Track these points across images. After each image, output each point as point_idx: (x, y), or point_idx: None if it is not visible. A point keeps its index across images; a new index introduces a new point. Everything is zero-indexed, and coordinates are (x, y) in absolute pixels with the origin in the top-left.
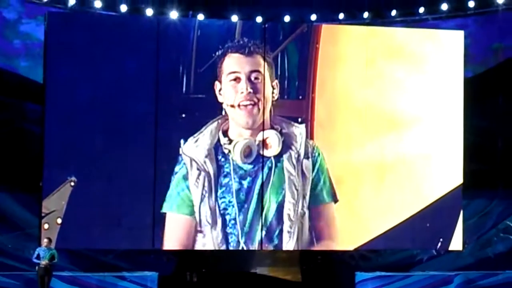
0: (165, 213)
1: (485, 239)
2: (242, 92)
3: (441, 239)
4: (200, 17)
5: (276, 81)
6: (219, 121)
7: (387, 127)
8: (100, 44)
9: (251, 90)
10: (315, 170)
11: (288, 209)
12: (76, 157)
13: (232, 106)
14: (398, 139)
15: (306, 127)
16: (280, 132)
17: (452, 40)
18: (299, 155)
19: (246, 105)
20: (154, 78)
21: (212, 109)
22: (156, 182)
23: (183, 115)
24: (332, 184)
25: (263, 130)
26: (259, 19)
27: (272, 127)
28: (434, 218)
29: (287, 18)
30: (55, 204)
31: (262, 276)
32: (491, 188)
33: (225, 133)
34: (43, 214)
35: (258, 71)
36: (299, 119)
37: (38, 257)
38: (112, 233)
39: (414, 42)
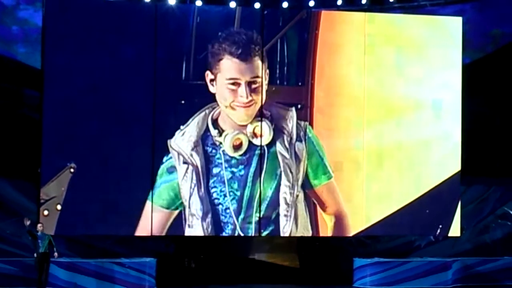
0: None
1: (482, 225)
2: (241, 96)
3: (440, 226)
4: (198, 3)
5: (267, 70)
6: (207, 111)
7: (385, 114)
8: (98, 30)
9: (251, 98)
10: (308, 151)
11: (284, 192)
12: (74, 144)
13: (230, 107)
14: (396, 126)
15: (305, 113)
16: (271, 118)
17: (450, 26)
18: (291, 138)
19: (243, 106)
20: (152, 64)
21: (212, 96)
22: (153, 169)
23: (182, 102)
24: (326, 161)
25: (261, 120)
26: (257, 5)
27: (263, 115)
28: (433, 204)
29: (285, 4)
30: (55, 190)
31: (260, 262)
32: (489, 174)
33: (215, 123)
34: (42, 201)
35: (257, 76)
36: (299, 106)
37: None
38: (111, 219)
39: (413, 28)
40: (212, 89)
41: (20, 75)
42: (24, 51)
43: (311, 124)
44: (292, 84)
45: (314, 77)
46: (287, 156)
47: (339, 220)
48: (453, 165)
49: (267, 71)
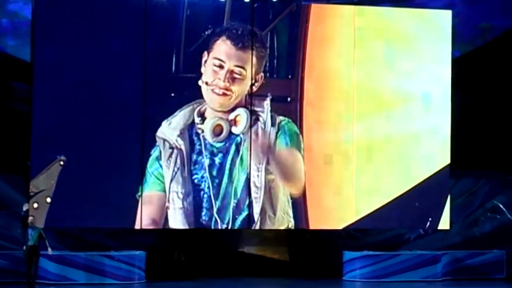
0: (139, 198)
1: (472, 219)
2: (219, 79)
3: (429, 219)
4: None
5: (261, 74)
6: (194, 105)
7: (375, 107)
8: (88, 23)
9: (228, 84)
10: (279, 134)
11: (253, 176)
12: (64, 136)
13: (207, 83)
14: (386, 119)
15: (295, 106)
16: (251, 109)
17: (440, 20)
18: (265, 125)
19: (217, 93)
20: (142, 58)
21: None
22: (143, 162)
23: (172, 94)
24: (299, 137)
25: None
26: None
27: (244, 106)
28: (422, 197)
29: None
30: (44, 183)
31: (250, 255)
32: (478, 168)
33: (201, 114)
34: (32, 193)
35: (242, 67)
36: (288, 98)
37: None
38: (100, 212)
39: (402, 22)
40: (202, 69)
41: (9, 68)
42: (14, 44)
43: (301, 117)
44: (282, 77)
45: (304, 70)
46: (259, 141)
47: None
48: (443, 158)
49: (262, 75)
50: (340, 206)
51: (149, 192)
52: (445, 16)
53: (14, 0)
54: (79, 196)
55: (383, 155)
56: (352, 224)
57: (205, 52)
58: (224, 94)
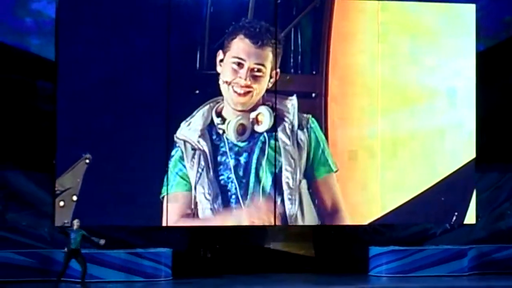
0: (163, 197)
1: (498, 213)
2: (240, 77)
3: (455, 213)
4: None
5: (277, 70)
6: (211, 104)
7: (399, 102)
8: (112, 21)
9: (249, 82)
10: (311, 143)
11: (286, 177)
12: (88, 135)
13: (227, 83)
14: (410, 114)
15: (320, 102)
16: (272, 108)
17: (464, 14)
18: (293, 126)
19: (239, 92)
20: (166, 55)
21: None
22: (167, 159)
23: (197, 91)
24: (328, 154)
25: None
26: None
27: (263, 104)
28: (448, 192)
29: None
30: (70, 181)
31: (276, 251)
32: (504, 161)
33: (219, 114)
34: (58, 192)
35: (262, 65)
36: (313, 94)
37: (69, 241)
38: (125, 210)
39: (426, 16)
40: (219, 69)
41: (33, 67)
42: (38, 43)
43: (325, 112)
44: (307, 72)
45: (328, 66)
46: (288, 142)
47: (334, 214)
48: (468, 152)
49: (278, 71)
50: (366, 202)
51: (176, 192)
52: (469, 10)
53: None
54: (104, 194)
55: (408, 151)
56: (378, 219)
57: (220, 51)
58: (246, 94)
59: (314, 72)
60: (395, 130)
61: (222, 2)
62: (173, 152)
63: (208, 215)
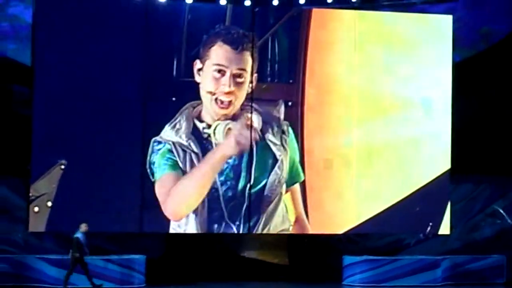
0: (154, 181)
1: (472, 224)
2: (224, 85)
3: (430, 224)
4: (189, 0)
5: (256, 75)
6: (190, 109)
7: (375, 112)
8: (89, 27)
9: (233, 89)
10: (291, 148)
11: (275, 175)
12: (65, 140)
13: (211, 93)
14: (386, 124)
15: (296, 110)
16: (260, 113)
17: (441, 24)
18: (278, 130)
19: (223, 102)
20: (143, 62)
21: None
22: (144, 165)
23: (173, 99)
24: (299, 163)
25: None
26: (247, 2)
27: (242, 110)
28: (423, 202)
29: (275, 2)
30: (45, 187)
31: (250, 260)
32: (479, 172)
33: (200, 119)
34: (33, 197)
35: (244, 69)
36: (289, 103)
37: (80, 246)
38: (101, 216)
39: (403, 27)
40: (198, 78)
41: (10, 72)
42: (14, 47)
43: (301, 121)
44: (283, 81)
45: (305, 75)
46: (278, 142)
47: (298, 223)
48: (443, 163)
49: (256, 75)
50: (341, 211)
51: (167, 173)
52: (446, 21)
53: (14, 4)
54: (80, 200)
55: (384, 160)
56: (353, 228)
57: (197, 61)
58: (229, 104)
59: (290, 81)
60: (371, 139)
61: (200, 9)
62: (159, 146)
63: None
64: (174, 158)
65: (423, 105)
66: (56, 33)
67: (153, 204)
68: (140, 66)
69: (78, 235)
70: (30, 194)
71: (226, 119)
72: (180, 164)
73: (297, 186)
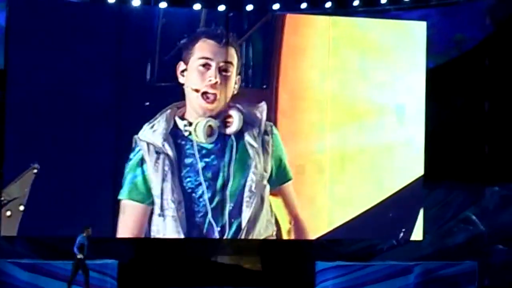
0: (119, 200)
1: (445, 230)
2: (210, 80)
3: (403, 229)
4: (163, 4)
5: (239, 76)
6: (172, 109)
7: (348, 117)
8: (62, 31)
9: (219, 81)
10: (275, 147)
11: (250, 179)
12: (38, 144)
13: (196, 90)
14: (359, 130)
15: (269, 115)
16: (241, 111)
17: (415, 31)
18: (259, 132)
19: (209, 96)
20: (116, 66)
21: (177, 97)
22: (117, 170)
23: (147, 103)
24: (286, 163)
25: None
26: (222, 7)
27: (229, 108)
28: (396, 208)
29: (249, 7)
30: (17, 191)
31: (222, 265)
32: (452, 179)
33: (182, 118)
34: (5, 202)
35: (230, 62)
36: None
37: (82, 247)
38: (73, 221)
39: (377, 33)
40: (181, 79)
41: None
42: None
43: (275, 127)
44: (257, 86)
45: (279, 80)
46: (255, 145)
47: (297, 224)
48: (416, 169)
49: (239, 77)
50: (313, 216)
51: (125, 200)
52: (419, 27)
53: None
54: (52, 205)
55: (357, 166)
56: (325, 234)
57: (180, 63)
58: (214, 97)
59: (264, 86)
60: (343, 145)
61: (174, 14)
62: (131, 155)
63: (169, 221)
64: (139, 178)
65: (396, 111)
66: (30, 36)
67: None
68: (114, 70)
69: (81, 237)
70: (2, 198)
71: (210, 116)
72: (151, 178)
73: (288, 187)
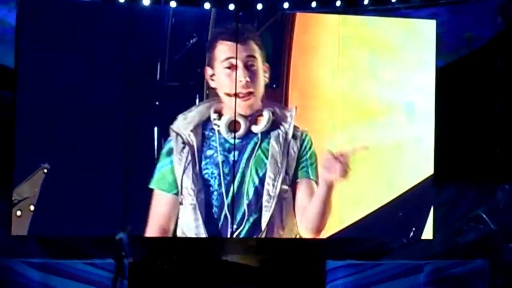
0: (152, 189)
1: (455, 228)
2: (240, 81)
3: (413, 228)
4: (173, 4)
5: (267, 64)
6: (211, 102)
7: (358, 116)
8: (73, 31)
9: (249, 79)
10: (302, 152)
11: (267, 183)
12: (48, 144)
13: (228, 95)
14: (369, 128)
15: None
16: (273, 112)
17: (424, 29)
18: (287, 135)
19: (243, 97)
20: (126, 66)
21: (187, 97)
22: (126, 170)
23: (157, 103)
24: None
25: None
26: (231, 6)
27: (267, 107)
28: (406, 207)
29: (259, 6)
30: (28, 191)
31: (233, 264)
32: (462, 178)
33: (218, 112)
34: (15, 201)
35: (253, 56)
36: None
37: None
38: (84, 220)
39: (387, 31)
40: (212, 84)
41: None
42: None
43: None
44: (268, 86)
45: (289, 79)
46: (277, 149)
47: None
48: (426, 168)
49: (267, 64)
50: None
51: (156, 190)
52: (429, 26)
53: None
54: (62, 204)
55: (367, 165)
56: (336, 233)
57: (207, 68)
58: (248, 95)
59: (274, 86)
60: (354, 144)
61: (184, 13)
62: (163, 144)
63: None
64: (168, 167)
65: (406, 110)
66: (40, 36)
67: (137, 207)
68: (124, 70)
69: (122, 235)
70: (13, 198)
71: (245, 113)
72: (175, 169)
73: (310, 184)
